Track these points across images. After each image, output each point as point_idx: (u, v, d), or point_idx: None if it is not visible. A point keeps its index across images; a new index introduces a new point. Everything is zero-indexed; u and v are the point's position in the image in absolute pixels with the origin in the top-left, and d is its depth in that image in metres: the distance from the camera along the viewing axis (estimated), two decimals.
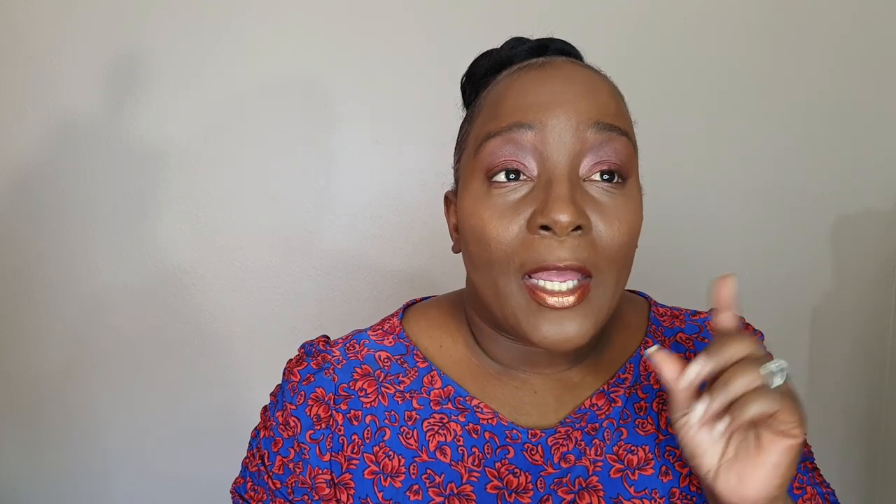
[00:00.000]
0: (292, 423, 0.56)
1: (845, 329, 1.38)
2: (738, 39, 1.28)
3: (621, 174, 0.49)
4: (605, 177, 0.48)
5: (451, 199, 0.58)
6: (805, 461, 0.58)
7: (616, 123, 0.49)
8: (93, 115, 1.26)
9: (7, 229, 1.29)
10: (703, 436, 0.44)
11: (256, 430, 0.60)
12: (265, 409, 0.60)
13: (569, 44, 0.57)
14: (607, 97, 0.50)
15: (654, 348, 0.45)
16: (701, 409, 0.43)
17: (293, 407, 0.56)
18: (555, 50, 0.56)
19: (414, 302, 0.65)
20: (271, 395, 0.60)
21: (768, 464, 0.42)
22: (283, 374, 0.59)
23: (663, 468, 0.54)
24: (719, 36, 1.28)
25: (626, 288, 0.64)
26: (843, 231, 1.34)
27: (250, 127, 1.27)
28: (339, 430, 0.55)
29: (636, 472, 0.53)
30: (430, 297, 0.65)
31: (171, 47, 1.24)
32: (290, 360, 0.60)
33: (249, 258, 1.30)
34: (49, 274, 1.30)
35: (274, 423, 0.57)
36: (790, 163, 1.32)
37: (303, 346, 0.61)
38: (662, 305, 0.63)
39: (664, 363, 0.44)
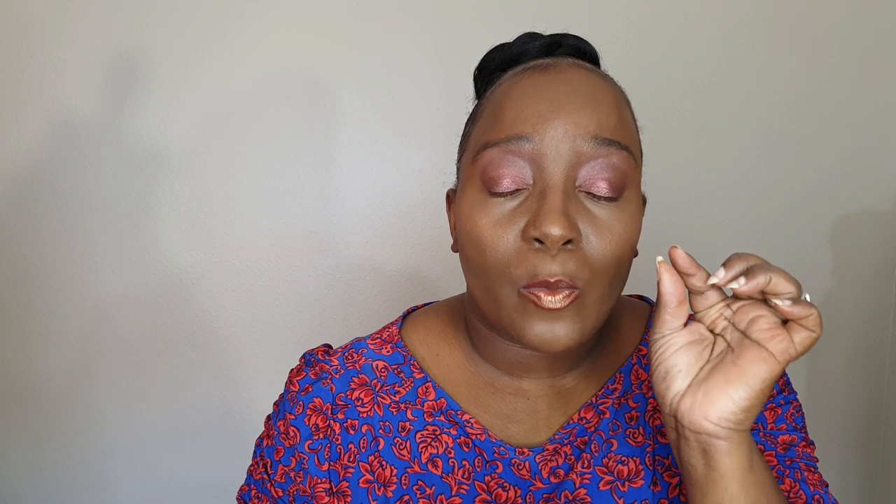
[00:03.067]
0: (292, 433, 0.57)
1: (845, 329, 1.38)
2: (738, 40, 1.28)
3: (617, 188, 0.48)
4: (599, 192, 0.48)
5: (452, 198, 0.58)
6: (793, 457, 0.55)
7: (615, 138, 0.48)
8: (93, 115, 1.26)
9: (7, 230, 1.29)
10: (682, 356, 0.43)
11: (260, 439, 0.60)
12: (268, 417, 0.60)
13: (583, 40, 0.56)
14: (609, 108, 0.49)
15: (661, 258, 0.44)
16: (722, 273, 0.42)
17: (292, 417, 0.57)
18: (568, 47, 0.55)
19: (414, 309, 0.65)
20: (274, 404, 0.60)
21: (742, 383, 0.41)
22: (285, 383, 0.60)
23: (653, 478, 0.53)
24: (719, 36, 1.28)
25: (632, 293, 0.64)
26: (843, 231, 1.34)
27: (250, 127, 1.27)
28: (337, 440, 0.56)
29: (626, 483, 0.53)
30: (430, 304, 0.65)
31: (171, 47, 1.24)
32: (292, 369, 0.61)
33: (249, 258, 1.30)
34: (49, 274, 1.30)
35: (276, 433, 0.58)
36: (790, 163, 1.32)
37: (303, 356, 0.61)
38: None
39: (668, 273, 0.44)
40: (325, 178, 1.29)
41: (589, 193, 0.48)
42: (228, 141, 1.27)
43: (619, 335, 0.59)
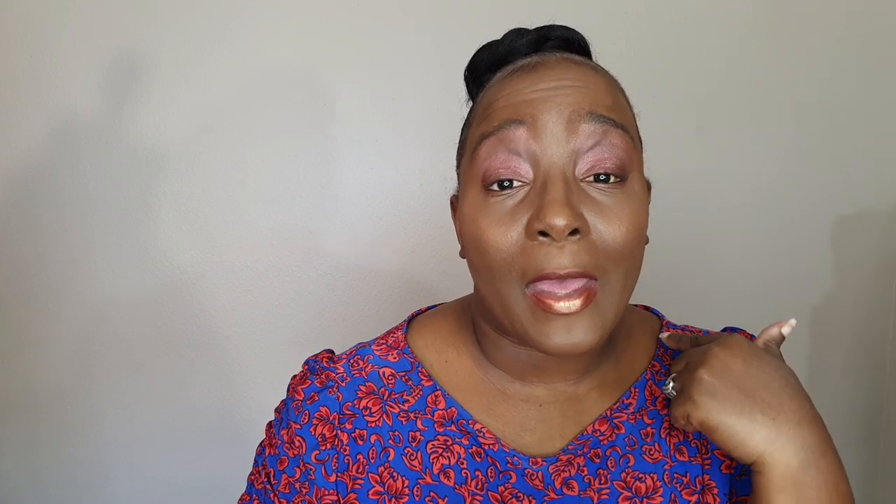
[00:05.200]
0: (297, 443, 0.55)
1: (845, 329, 1.38)
2: (738, 40, 1.28)
3: (620, 173, 0.47)
4: (603, 177, 0.47)
5: (456, 204, 0.57)
6: None
7: (611, 115, 0.47)
8: (93, 115, 1.25)
9: (7, 230, 1.29)
10: None
11: (262, 447, 0.59)
12: (270, 425, 0.59)
13: (571, 29, 0.55)
14: (602, 91, 0.48)
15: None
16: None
17: (298, 426, 0.55)
18: (556, 39, 0.54)
19: (419, 312, 0.63)
20: (276, 411, 0.59)
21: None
22: (287, 391, 0.58)
23: (672, 496, 0.53)
24: (719, 36, 1.28)
25: (641, 304, 0.64)
26: (843, 231, 1.34)
27: (250, 126, 1.27)
28: (345, 450, 0.54)
29: (644, 499, 0.52)
30: (436, 306, 0.63)
31: (171, 46, 1.24)
32: (294, 376, 0.59)
33: (249, 258, 1.30)
34: (49, 274, 1.30)
35: (279, 442, 0.56)
36: (790, 163, 1.32)
37: (306, 363, 0.59)
38: (675, 326, 0.61)
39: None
40: (325, 178, 1.29)
41: (592, 182, 0.47)
42: (228, 141, 1.27)
43: (632, 346, 0.58)
